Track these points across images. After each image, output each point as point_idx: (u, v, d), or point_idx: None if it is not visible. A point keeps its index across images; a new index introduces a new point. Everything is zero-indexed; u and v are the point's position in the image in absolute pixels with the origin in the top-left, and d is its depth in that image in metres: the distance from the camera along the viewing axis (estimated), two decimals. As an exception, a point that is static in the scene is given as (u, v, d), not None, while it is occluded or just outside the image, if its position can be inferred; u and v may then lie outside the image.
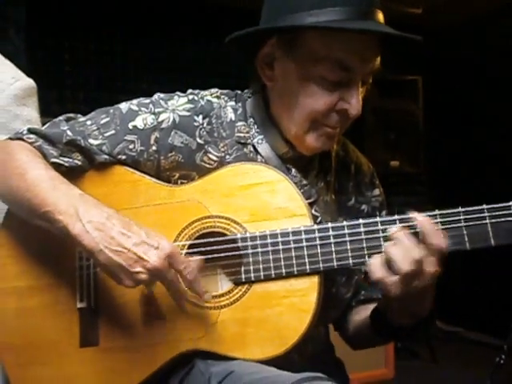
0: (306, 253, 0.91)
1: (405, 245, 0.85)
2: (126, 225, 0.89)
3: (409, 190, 4.12)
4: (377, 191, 1.16)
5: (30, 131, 1.03)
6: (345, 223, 0.91)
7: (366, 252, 0.90)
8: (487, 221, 0.87)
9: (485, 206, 0.87)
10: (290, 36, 0.96)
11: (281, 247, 0.92)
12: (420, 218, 0.88)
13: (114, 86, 3.13)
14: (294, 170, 1.04)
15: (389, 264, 0.85)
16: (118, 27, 3.33)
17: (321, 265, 0.91)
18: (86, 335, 0.97)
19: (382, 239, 0.90)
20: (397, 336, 1.01)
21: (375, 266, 0.87)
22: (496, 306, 3.19)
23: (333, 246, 0.91)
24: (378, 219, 0.91)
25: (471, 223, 0.87)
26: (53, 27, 3.12)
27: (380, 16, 0.95)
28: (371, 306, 1.07)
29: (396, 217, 0.90)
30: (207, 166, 1.02)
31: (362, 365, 3.02)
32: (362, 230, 0.90)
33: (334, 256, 0.90)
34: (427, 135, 3.95)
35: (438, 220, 0.89)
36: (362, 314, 1.10)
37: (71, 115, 1.08)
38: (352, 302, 1.12)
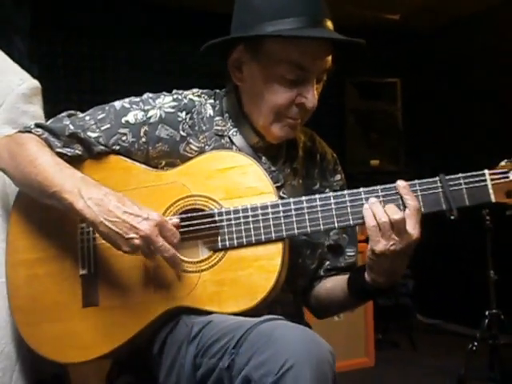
0: (271, 223, 1.08)
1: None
2: (120, 200, 1.06)
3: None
4: (338, 177, 1.33)
5: (37, 125, 1.20)
6: (303, 198, 1.09)
7: (321, 221, 1.07)
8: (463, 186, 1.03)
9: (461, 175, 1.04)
10: (254, 43, 1.13)
11: (251, 219, 1.09)
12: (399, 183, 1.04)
13: (105, 88, 3.30)
14: (263, 157, 1.21)
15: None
16: (111, 32, 3.49)
17: (284, 233, 1.08)
18: (87, 297, 1.14)
19: (334, 210, 1.07)
20: (370, 294, 1.14)
21: (369, 216, 1.03)
22: (472, 299, 3.35)
23: (294, 217, 1.08)
24: (330, 194, 1.08)
25: (451, 188, 1.03)
26: (47, 34, 3.27)
27: (329, 24, 1.13)
28: (340, 275, 1.24)
29: (346, 191, 1.08)
30: (189, 155, 1.19)
31: (342, 353, 3.16)
32: (318, 203, 1.08)
33: (294, 225, 1.08)
34: (406, 134, 4.14)
35: (418, 188, 1.05)
36: (334, 280, 1.26)
37: (72, 112, 1.24)
38: (320, 272, 1.28)
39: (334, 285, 1.24)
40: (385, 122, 4.12)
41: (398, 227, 1.01)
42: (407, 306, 4.40)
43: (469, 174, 1.03)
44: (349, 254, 1.29)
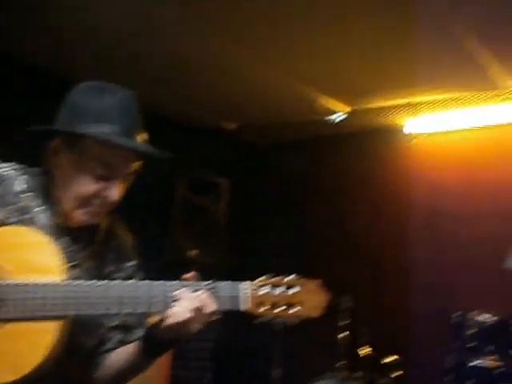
0: (50, 302, 1.17)
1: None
2: None
3: (205, 278, 4.51)
4: (132, 262, 1.47)
5: None
6: (88, 282, 1.21)
7: (103, 301, 1.19)
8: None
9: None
10: (72, 138, 1.29)
11: (31, 295, 1.16)
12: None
13: None
14: (63, 238, 1.32)
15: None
16: None
17: (61, 312, 1.17)
18: None
19: (115, 298, 1.20)
20: (158, 347, 1.30)
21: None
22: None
23: (72, 298, 1.18)
24: (117, 282, 1.23)
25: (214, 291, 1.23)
26: None
27: (140, 135, 1.32)
28: (130, 346, 1.36)
29: (137, 281, 1.24)
30: None
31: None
32: (100, 288, 1.20)
33: (72, 307, 1.17)
34: (227, 229, 4.47)
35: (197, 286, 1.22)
36: (119, 350, 1.38)
37: None
38: (104, 348, 1.38)
39: (119, 352, 1.36)
40: (208, 217, 4.41)
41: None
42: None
43: (230, 282, 1.24)
44: (137, 334, 1.39)
